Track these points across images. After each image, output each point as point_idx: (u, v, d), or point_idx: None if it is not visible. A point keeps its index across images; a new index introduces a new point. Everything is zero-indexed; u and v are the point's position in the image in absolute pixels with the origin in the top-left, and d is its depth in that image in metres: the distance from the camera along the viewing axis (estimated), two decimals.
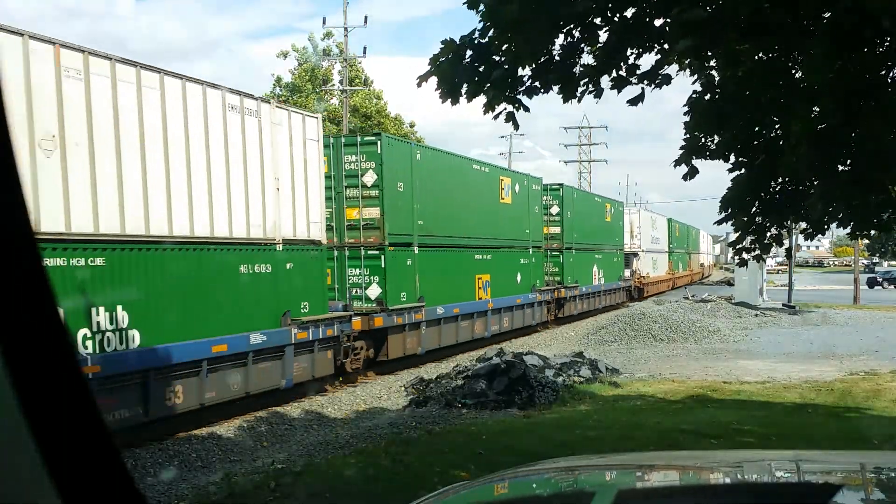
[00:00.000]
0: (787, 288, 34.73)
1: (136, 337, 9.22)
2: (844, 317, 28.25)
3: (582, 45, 5.44)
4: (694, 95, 6.50)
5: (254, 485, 7.08)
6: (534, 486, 2.34)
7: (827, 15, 5.12)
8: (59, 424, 0.94)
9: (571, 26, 5.28)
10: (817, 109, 5.84)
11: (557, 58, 5.46)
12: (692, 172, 6.56)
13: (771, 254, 8.42)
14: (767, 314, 28.06)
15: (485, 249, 19.91)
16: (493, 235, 20.25)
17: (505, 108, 5.62)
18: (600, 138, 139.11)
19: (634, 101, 5.78)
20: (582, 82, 5.60)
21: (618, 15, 5.32)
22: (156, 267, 9.75)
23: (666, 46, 5.56)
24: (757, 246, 7.19)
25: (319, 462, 8.16)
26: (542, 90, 5.60)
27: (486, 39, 5.28)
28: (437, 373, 14.82)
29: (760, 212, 6.93)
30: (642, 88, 5.72)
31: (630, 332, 21.79)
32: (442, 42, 5.32)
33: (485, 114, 5.62)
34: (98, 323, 8.78)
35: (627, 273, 35.92)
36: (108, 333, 8.90)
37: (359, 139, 15.60)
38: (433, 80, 5.39)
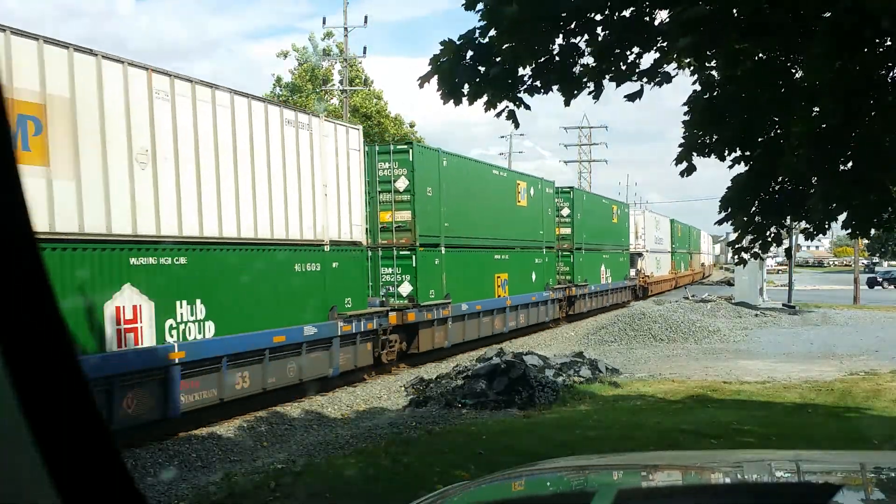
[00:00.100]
0: (787, 288, 34.73)
1: (211, 327, 10.42)
2: (844, 317, 28.24)
3: (582, 46, 5.44)
4: (693, 94, 6.50)
5: (254, 485, 7.08)
6: (534, 486, 2.33)
7: (827, 15, 5.12)
8: (59, 424, 0.94)
9: (572, 26, 5.28)
10: (817, 109, 5.84)
11: (557, 58, 5.45)
12: (689, 169, 6.56)
13: (771, 253, 8.43)
14: (767, 314, 28.05)
15: (503, 250, 21.03)
16: (510, 236, 21.35)
17: (507, 106, 5.62)
18: (600, 138, 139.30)
19: (632, 97, 5.77)
20: (582, 81, 5.60)
21: (616, 13, 5.32)
22: (227, 265, 10.94)
23: (665, 45, 5.56)
24: (756, 245, 7.19)
25: (319, 462, 8.16)
26: (543, 90, 5.60)
27: (487, 40, 5.27)
28: (438, 373, 14.83)
29: (760, 211, 6.93)
30: (641, 85, 5.72)
31: (630, 332, 21.79)
32: (441, 43, 5.32)
33: (486, 111, 5.62)
34: (181, 314, 9.97)
35: (633, 272, 36.79)
36: (189, 324, 10.10)
37: (392, 148, 16.85)
38: (434, 80, 5.38)
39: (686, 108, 6.51)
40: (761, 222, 6.99)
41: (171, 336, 9.74)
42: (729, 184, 6.81)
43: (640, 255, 38.37)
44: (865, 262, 75.23)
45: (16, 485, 0.93)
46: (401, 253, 16.37)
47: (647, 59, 5.69)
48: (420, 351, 16.63)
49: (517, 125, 5.82)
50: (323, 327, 12.73)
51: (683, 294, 37.29)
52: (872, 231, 7.02)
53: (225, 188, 10.85)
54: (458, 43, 5.30)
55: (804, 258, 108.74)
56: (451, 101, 5.42)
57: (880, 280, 58.46)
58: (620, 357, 17.90)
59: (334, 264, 13.26)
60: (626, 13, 5.35)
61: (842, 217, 6.63)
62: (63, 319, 0.97)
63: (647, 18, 5.38)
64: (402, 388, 13.95)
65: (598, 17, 5.29)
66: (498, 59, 5.32)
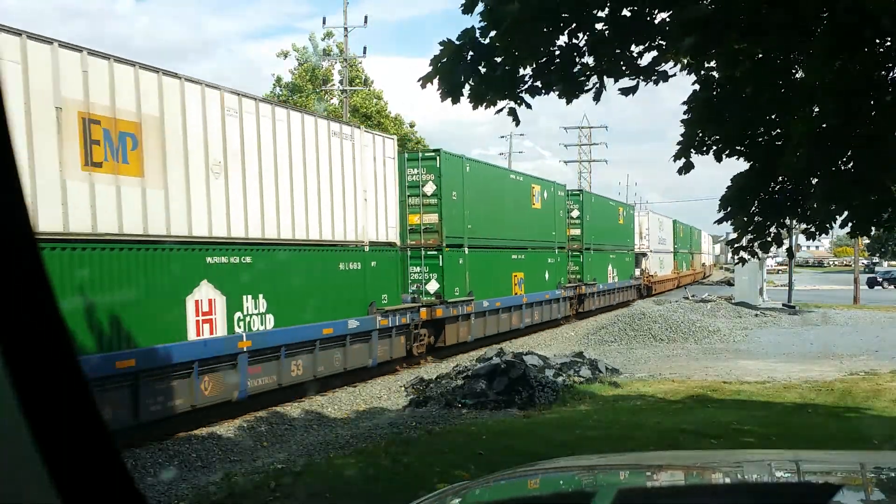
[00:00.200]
0: (787, 288, 34.73)
1: (271, 320, 11.66)
2: (844, 317, 28.24)
3: (582, 46, 5.43)
4: (693, 93, 6.49)
5: (254, 485, 7.08)
6: (534, 486, 2.33)
7: (827, 15, 5.11)
8: (59, 424, 0.94)
9: (572, 26, 5.27)
10: (817, 109, 5.83)
11: (558, 59, 5.45)
12: (688, 167, 6.55)
13: (771, 253, 8.43)
14: (767, 314, 28.05)
15: (519, 250, 22.26)
16: (526, 237, 22.63)
17: (508, 104, 5.61)
18: (600, 138, 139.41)
19: (627, 92, 5.76)
20: (582, 81, 5.59)
21: (616, 13, 5.31)
22: (283, 263, 12.15)
23: (664, 44, 5.55)
24: (756, 245, 7.18)
25: (319, 462, 8.16)
26: (544, 91, 5.59)
27: (487, 40, 5.27)
28: (437, 373, 14.83)
29: (760, 211, 6.92)
30: (637, 81, 5.70)
31: (630, 332, 21.80)
32: (441, 43, 5.31)
33: (486, 108, 5.61)
34: (247, 308, 11.20)
35: (637, 272, 37.90)
36: (253, 316, 11.33)
37: (420, 155, 18.27)
38: (435, 80, 5.37)
39: (686, 108, 6.51)
40: (761, 222, 6.98)
41: (239, 327, 11.00)
42: (729, 183, 6.81)
43: (644, 255, 39.37)
44: (865, 262, 75.21)
45: (16, 485, 0.93)
46: (428, 253, 17.54)
47: (646, 57, 5.67)
48: (447, 344, 17.76)
49: (518, 123, 5.81)
50: (364, 321, 14.05)
51: (683, 294, 37.34)
52: (873, 231, 7.02)
53: (282, 194, 12.18)
54: (457, 43, 5.29)
55: (804, 258, 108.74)
56: (450, 99, 5.41)
57: (880, 280, 58.45)
58: (620, 357, 17.90)
59: (373, 263, 14.52)
60: (626, 12, 5.34)
61: (842, 217, 6.62)
62: (63, 319, 0.97)
63: (648, 18, 5.37)
64: (402, 388, 13.96)
65: (601, 14, 5.27)
66: (499, 60, 5.31)
